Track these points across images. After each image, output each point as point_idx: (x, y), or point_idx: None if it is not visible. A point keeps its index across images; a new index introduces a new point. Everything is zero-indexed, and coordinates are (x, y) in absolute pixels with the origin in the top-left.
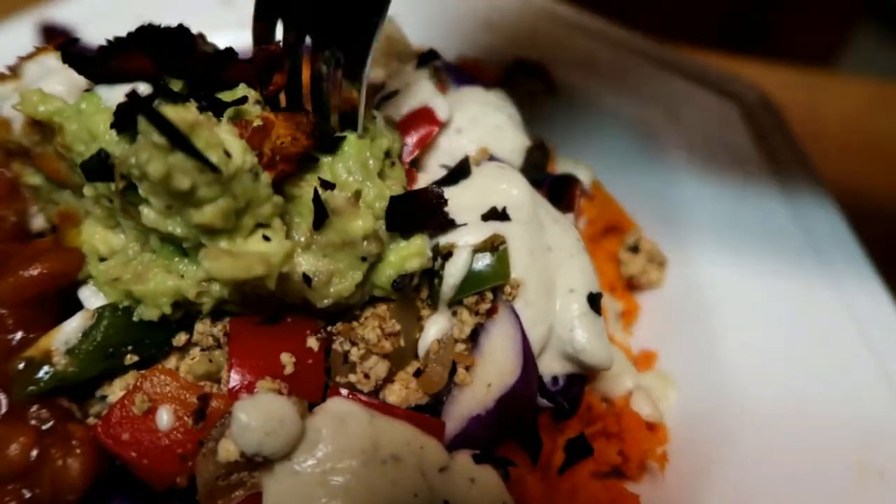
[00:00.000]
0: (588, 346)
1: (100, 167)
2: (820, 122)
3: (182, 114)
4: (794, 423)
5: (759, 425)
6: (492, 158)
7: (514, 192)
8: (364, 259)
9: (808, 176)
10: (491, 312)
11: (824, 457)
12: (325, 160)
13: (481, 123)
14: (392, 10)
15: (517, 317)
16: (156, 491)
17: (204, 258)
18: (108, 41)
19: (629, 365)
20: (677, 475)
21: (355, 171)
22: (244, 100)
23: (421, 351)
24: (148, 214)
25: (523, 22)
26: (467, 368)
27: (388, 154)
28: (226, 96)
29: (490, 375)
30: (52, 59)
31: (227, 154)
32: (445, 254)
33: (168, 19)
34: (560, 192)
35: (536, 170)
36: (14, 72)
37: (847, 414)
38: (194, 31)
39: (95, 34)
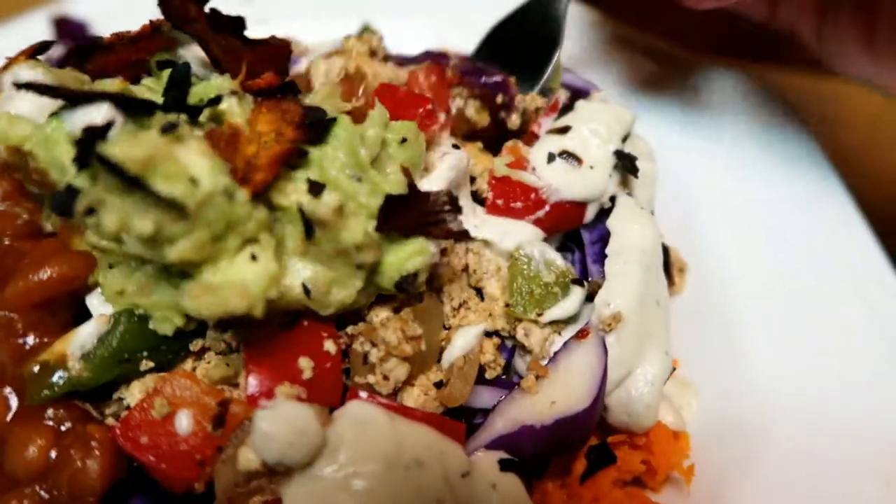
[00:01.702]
0: (644, 413)
1: (68, 203)
2: (838, 130)
3: (134, 149)
4: (820, 434)
5: (784, 435)
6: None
7: (647, 234)
8: (360, 267)
9: (831, 184)
10: (580, 336)
11: (851, 468)
12: (314, 154)
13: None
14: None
15: (605, 351)
16: (174, 494)
17: (184, 295)
18: (77, 47)
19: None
20: (700, 484)
21: (345, 165)
22: (218, 100)
23: (445, 363)
24: (129, 244)
25: None
26: (537, 378)
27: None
28: (199, 90)
29: (557, 394)
30: (25, 70)
31: (194, 181)
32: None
33: None
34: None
35: None
36: None
37: (875, 425)
38: None
39: (111, 28)
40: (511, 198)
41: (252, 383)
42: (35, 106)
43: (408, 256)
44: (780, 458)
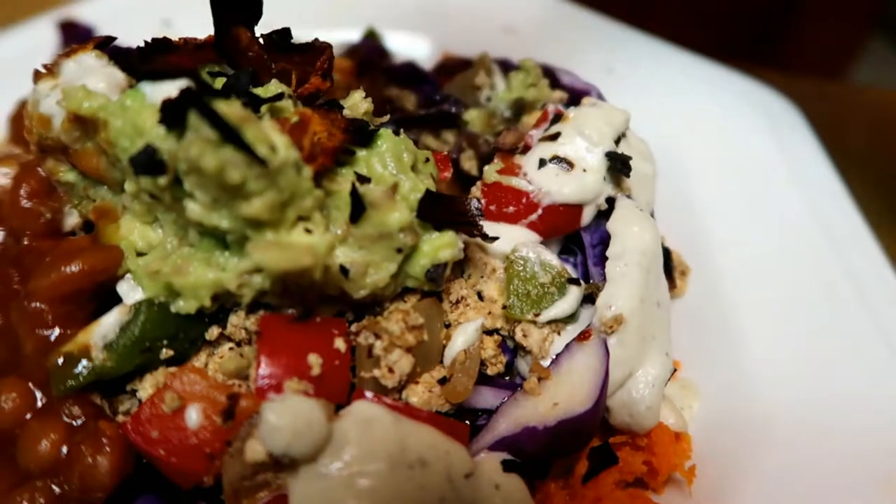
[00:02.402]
0: (645, 413)
1: (148, 161)
2: (842, 133)
3: (232, 109)
4: (820, 434)
5: (785, 435)
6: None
7: (647, 237)
8: (399, 250)
9: (834, 186)
10: (582, 338)
11: (852, 469)
12: (361, 154)
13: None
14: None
15: (607, 353)
16: (181, 490)
17: (253, 249)
18: (148, 42)
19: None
20: (701, 485)
21: (390, 165)
22: (280, 96)
23: (447, 360)
24: (193, 208)
25: (545, 26)
26: (540, 380)
27: None
28: (259, 91)
29: (560, 396)
30: (90, 58)
31: (273, 148)
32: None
33: (186, 20)
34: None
35: None
36: (52, 70)
37: (875, 423)
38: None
39: (116, 34)
40: (503, 203)
41: (262, 376)
42: (105, 86)
43: (440, 247)
44: (781, 459)
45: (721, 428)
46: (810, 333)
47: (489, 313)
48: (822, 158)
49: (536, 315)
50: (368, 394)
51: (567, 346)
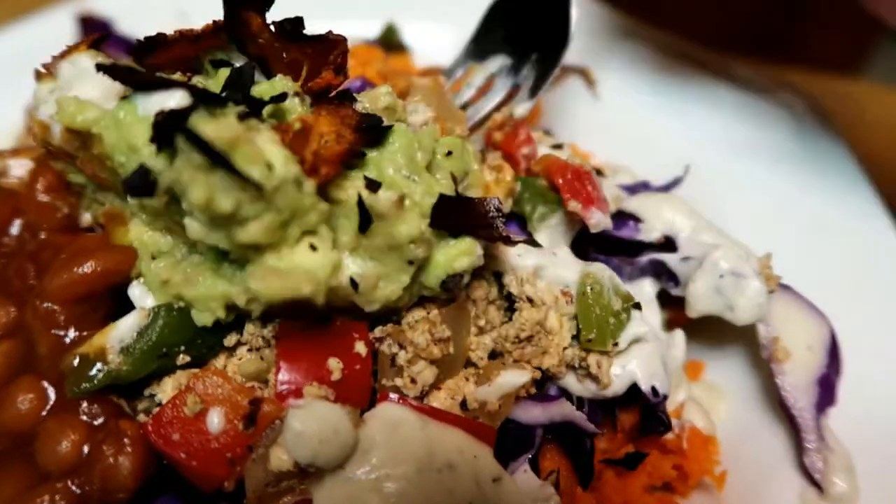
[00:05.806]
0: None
1: (142, 183)
2: (863, 131)
3: (220, 129)
4: (849, 435)
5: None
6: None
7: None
8: (411, 262)
9: (861, 187)
10: None
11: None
12: (371, 155)
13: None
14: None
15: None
16: (203, 492)
17: (250, 278)
18: (140, 41)
19: (682, 375)
20: (730, 490)
21: (402, 166)
22: (284, 97)
23: (480, 394)
24: (192, 227)
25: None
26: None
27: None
28: (263, 89)
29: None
30: (86, 59)
31: (269, 166)
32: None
33: (202, 10)
34: None
35: None
36: (50, 71)
37: None
38: None
39: (134, 26)
40: None
41: (281, 380)
42: (99, 92)
43: (456, 255)
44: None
45: (749, 432)
46: (839, 330)
47: (544, 353)
48: (849, 159)
49: (615, 345)
50: (394, 395)
51: None
